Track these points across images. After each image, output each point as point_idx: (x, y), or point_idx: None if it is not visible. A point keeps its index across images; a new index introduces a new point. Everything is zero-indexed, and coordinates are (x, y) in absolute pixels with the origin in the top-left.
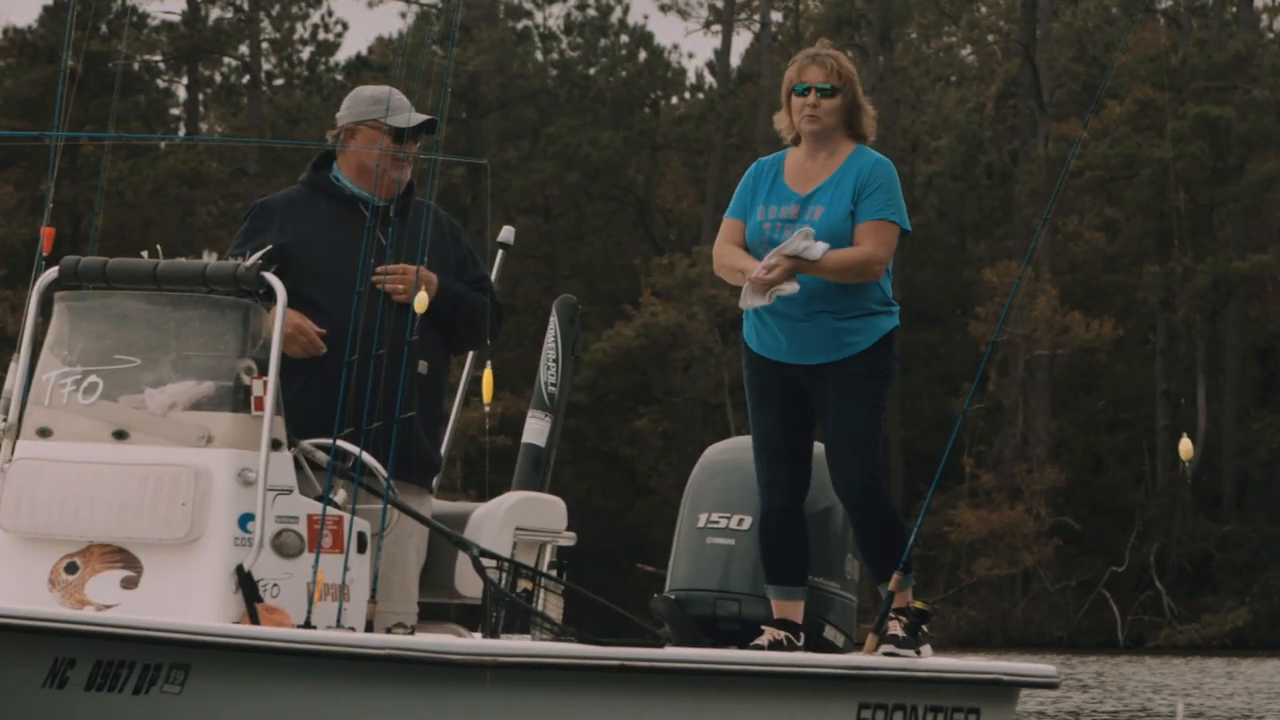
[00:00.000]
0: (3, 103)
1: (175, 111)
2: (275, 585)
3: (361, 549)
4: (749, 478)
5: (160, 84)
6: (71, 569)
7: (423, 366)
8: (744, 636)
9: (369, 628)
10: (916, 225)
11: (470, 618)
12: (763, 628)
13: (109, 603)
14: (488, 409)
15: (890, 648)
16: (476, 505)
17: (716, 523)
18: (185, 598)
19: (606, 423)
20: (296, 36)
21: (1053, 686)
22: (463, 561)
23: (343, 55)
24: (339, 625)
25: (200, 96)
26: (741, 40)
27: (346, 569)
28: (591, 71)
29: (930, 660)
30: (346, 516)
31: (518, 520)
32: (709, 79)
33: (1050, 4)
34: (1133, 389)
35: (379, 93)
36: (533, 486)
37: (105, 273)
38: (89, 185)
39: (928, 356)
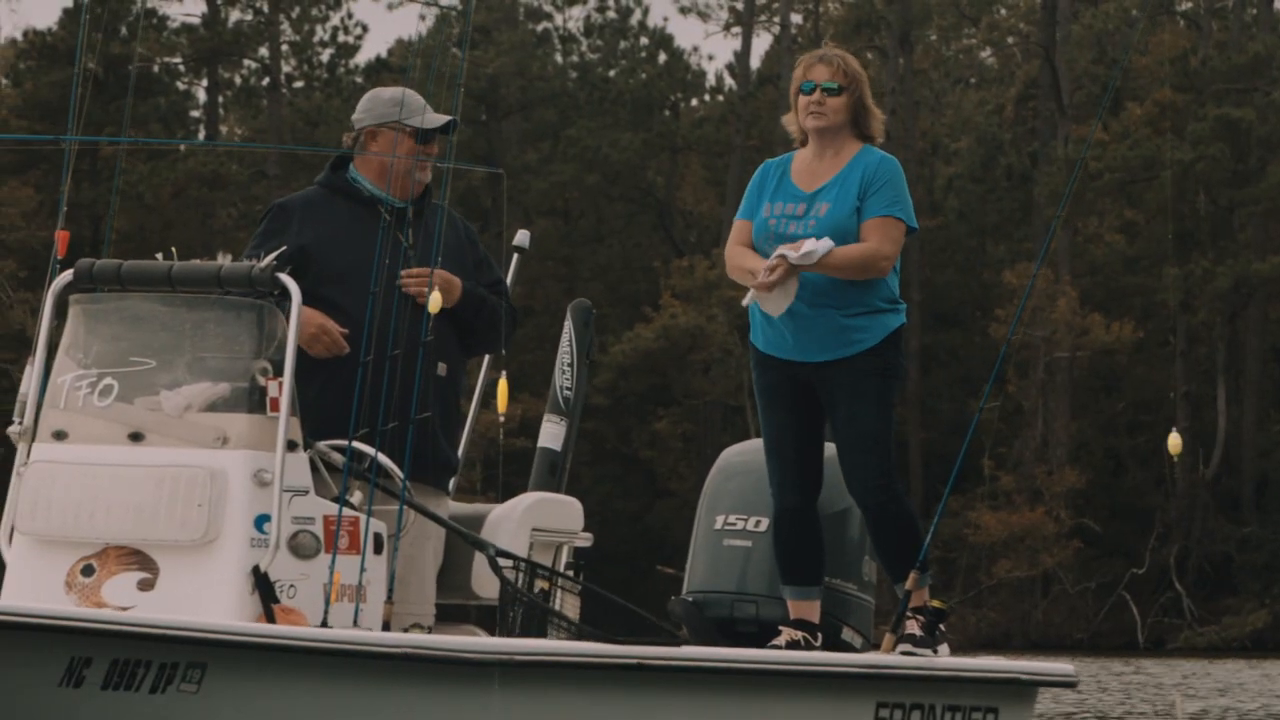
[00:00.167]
0: (23, 105)
1: (195, 114)
2: (292, 586)
3: (378, 550)
4: (766, 480)
5: (180, 86)
6: (88, 571)
7: (441, 368)
8: (762, 639)
9: (386, 628)
10: (936, 227)
11: (489, 619)
12: (780, 629)
13: (125, 605)
14: (502, 419)
15: (908, 647)
16: (493, 506)
17: (734, 525)
18: (201, 599)
19: (626, 425)
20: (316, 39)
21: (1071, 686)
22: (480, 563)
23: (363, 58)
24: (355, 626)
25: (220, 99)
26: (761, 42)
27: (363, 570)
28: (611, 74)
29: (948, 659)
30: (363, 517)
31: (534, 521)
32: (729, 81)
33: (1070, 6)
34: (1152, 391)
35: (398, 94)
36: (548, 491)
37: (120, 275)
38: (109, 188)
39: (947, 358)
